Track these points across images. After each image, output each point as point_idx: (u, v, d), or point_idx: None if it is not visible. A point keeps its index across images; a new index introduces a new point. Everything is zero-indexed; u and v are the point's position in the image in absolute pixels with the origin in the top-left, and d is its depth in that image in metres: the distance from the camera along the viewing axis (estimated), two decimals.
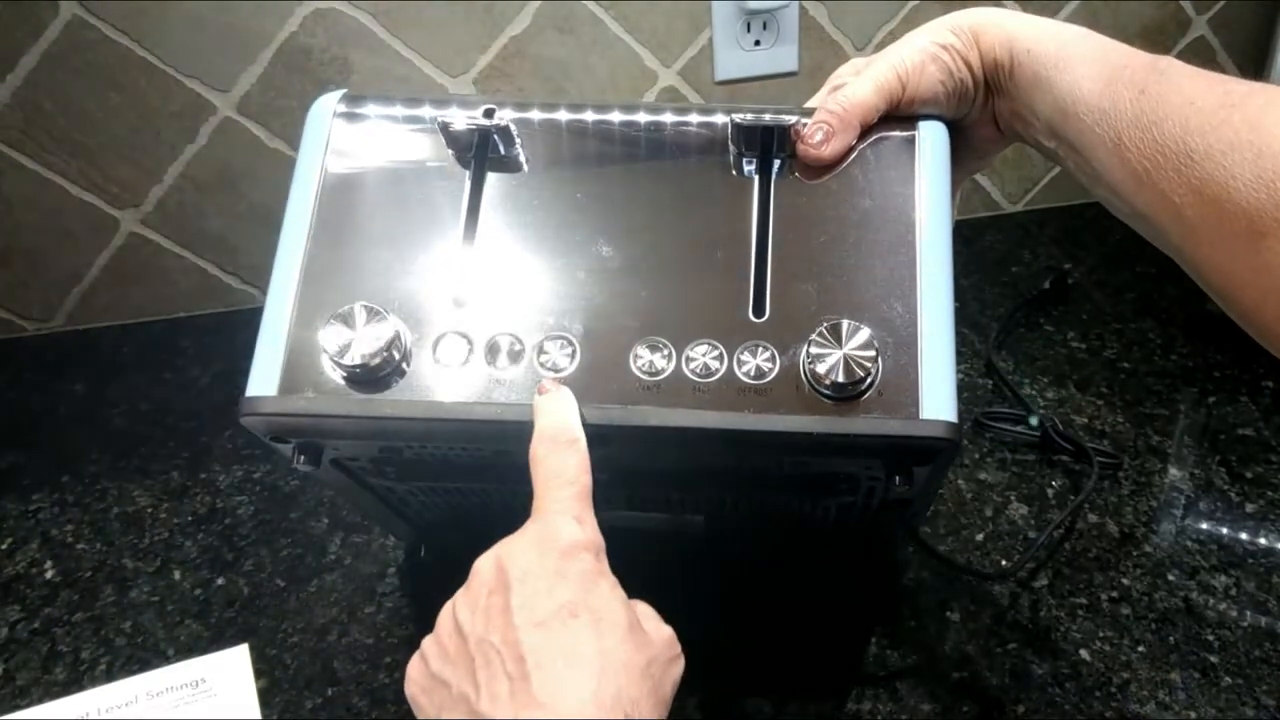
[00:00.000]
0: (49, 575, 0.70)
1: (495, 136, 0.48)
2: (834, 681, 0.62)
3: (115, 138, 0.82)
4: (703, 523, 0.60)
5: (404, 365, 0.45)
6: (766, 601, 0.65)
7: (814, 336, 0.43)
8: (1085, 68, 0.44)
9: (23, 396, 0.86)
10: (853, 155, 0.48)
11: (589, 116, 0.50)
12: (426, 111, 0.50)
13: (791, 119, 0.47)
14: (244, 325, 0.49)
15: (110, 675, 0.63)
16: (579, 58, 0.85)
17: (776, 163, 0.48)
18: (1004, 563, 0.69)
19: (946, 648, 0.64)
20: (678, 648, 0.40)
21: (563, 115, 0.50)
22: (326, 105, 0.50)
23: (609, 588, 0.39)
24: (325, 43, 0.80)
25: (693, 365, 0.44)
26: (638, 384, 0.44)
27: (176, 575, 0.70)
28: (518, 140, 0.49)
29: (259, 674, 0.63)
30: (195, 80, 0.80)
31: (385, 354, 0.44)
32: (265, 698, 0.62)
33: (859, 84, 0.48)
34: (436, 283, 0.46)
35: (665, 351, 0.44)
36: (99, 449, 0.80)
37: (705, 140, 0.49)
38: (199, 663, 0.64)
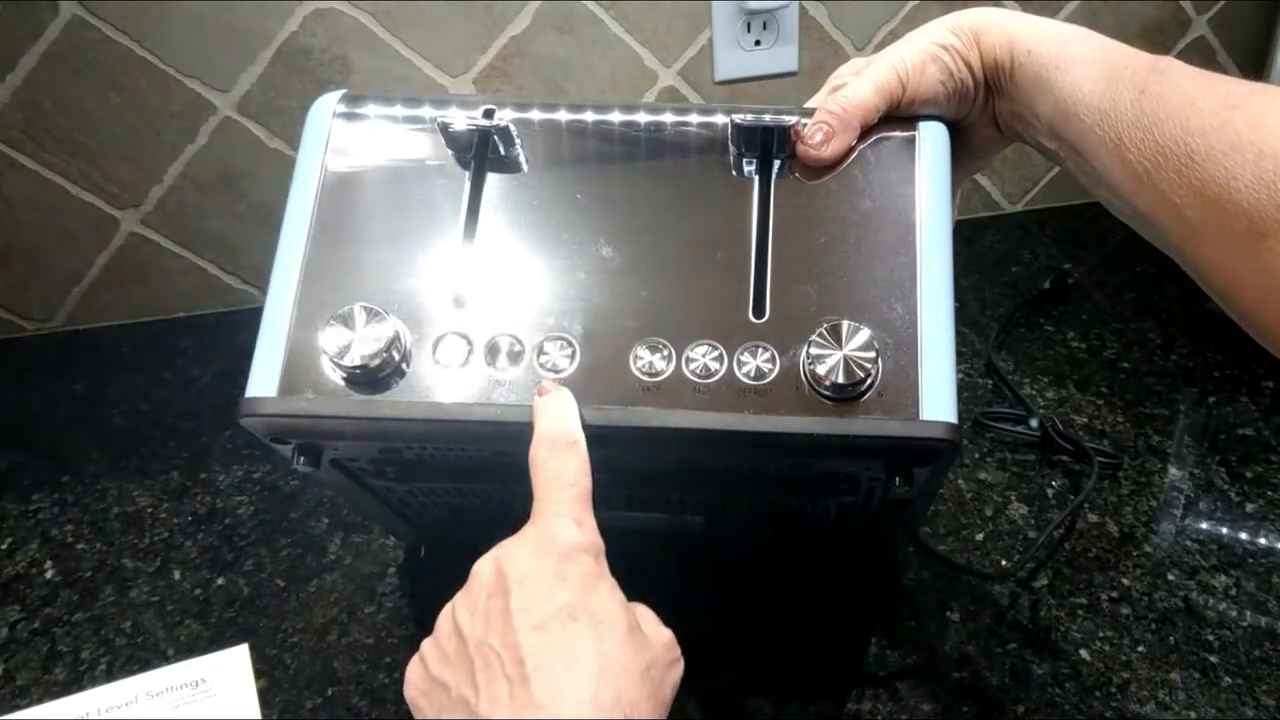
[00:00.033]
0: (49, 575, 0.70)
1: (495, 137, 0.48)
2: (834, 681, 0.62)
3: (115, 138, 0.82)
4: (703, 523, 0.60)
5: (404, 366, 0.45)
6: (766, 602, 0.65)
7: (814, 337, 0.43)
8: (1086, 68, 0.44)
9: (23, 396, 0.86)
10: (853, 156, 0.48)
11: (589, 117, 0.50)
12: (426, 111, 0.50)
13: (791, 119, 0.47)
14: (244, 325, 0.49)
15: (110, 675, 0.63)
16: (579, 58, 0.85)
17: (776, 163, 0.48)
18: (1004, 563, 0.69)
19: (946, 648, 0.63)
20: (677, 651, 0.40)
21: (563, 115, 0.50)
22: (326, 105, 0.50)
23: (608, 590, 0.39)
24: (325, 43, 0.80)
25: (693, 366, 0.44)
26: (637, 385, 0.44)
27: (176, 575, 0.70)
28: (518, 140, 0.49)
29: (259, 674, 0.63)
30: (195, 80, 0.80)
31: (385, 355, 0.43)
32: (265, 698, 0.62)
33: (859, 84, 0.48)
34: (436, 283, 0.46)
35: (665, 352, 0.44)
36: (99, 449, 0.80)
37: (705, 140, 0.49)
38: (199, 663, 0.64)
